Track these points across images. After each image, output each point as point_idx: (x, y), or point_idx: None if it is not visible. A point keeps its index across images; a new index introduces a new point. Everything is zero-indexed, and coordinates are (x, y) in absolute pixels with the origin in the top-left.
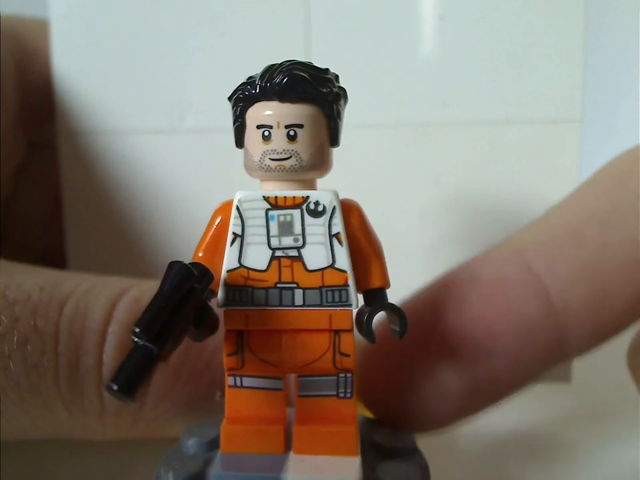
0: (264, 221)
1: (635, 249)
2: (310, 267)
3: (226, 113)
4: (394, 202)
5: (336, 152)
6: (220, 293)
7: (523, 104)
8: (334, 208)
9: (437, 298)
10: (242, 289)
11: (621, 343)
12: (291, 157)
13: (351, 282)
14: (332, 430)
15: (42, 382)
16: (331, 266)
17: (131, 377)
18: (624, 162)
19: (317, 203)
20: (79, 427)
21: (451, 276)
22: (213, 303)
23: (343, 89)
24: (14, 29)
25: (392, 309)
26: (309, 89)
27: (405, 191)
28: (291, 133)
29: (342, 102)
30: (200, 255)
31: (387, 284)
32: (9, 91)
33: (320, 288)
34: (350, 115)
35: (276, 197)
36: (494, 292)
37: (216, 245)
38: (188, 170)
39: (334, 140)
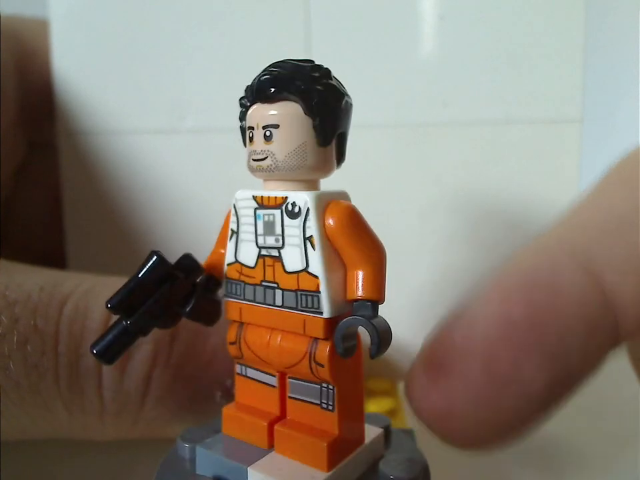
0: (253, 219)
1: None
2: (288, 269)
3: (225, 113)
4: (394, 202)
5: None
6: (223, 285)
7: (523, 104)
8: (307, 210)
9: (494, 298)
10: (237, 283)
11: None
12: (267, 157)
13: (323, 288)
14: (307, 439)
15: (42, 382)
16: (305, 270)
17: (109, 345)
18: (632, 162)
19: (293, 204)
20: (79, 427)
21: (505, 273)
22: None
23: (332, 86)
24: (14, 29)
25: (363, 325)
26: (287, 87)
27: (405, 191)
28: (267, 133)
29: (331, 98)
30: (216, 248)
31: (371, 295)
32: (9, 91)
33: (295, 291)
34: None
35: (262, 196)
36: (552, 291)
37: (226, 239)
38: (188, 170)
39: (322, 139)
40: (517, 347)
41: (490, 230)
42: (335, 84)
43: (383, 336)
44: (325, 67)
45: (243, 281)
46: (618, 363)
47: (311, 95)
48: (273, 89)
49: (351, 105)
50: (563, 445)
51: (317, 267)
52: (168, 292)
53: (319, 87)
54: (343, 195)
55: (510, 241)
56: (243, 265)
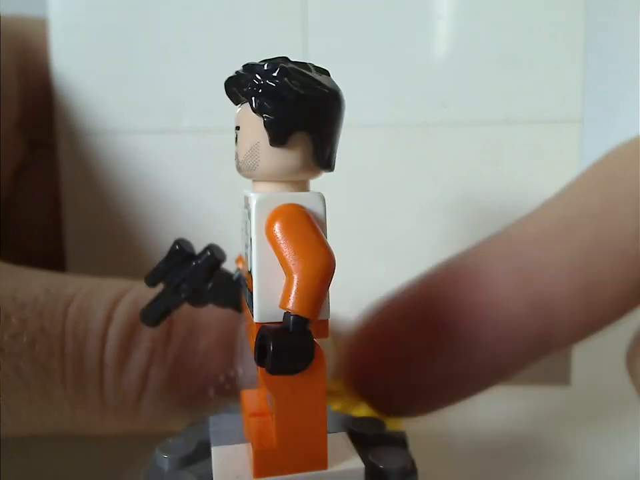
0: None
1: (625, 241)
2: (249, 269)
3: (225, 112)
4: (394, 202)
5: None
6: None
7: (523, 104)
8: (250, 212)
9: (426, 289)
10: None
11: (619, 344)
12: (235, 159)
13: (254, 292)
14: (254, 439)
15: (50, 381)
16: (250, 271)
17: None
18: (617, 156)
19: (249, 205)
20: (82, 423)
21: (439, 268)
22: None
23: (285, 82)
24: (14, 29)
25: (262, 335)
26: (238, 88)
27: (404, 191)
28: (235, 135)
29: (283, 94)
30: None
31: (285, 306)
32: (9, 91)
33: (251, 292)
34: (350, 115)
35: (244, 196)
36: (476, 283)
37: None
38: (188, 170)
39: (272, 138)
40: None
41: (489, 230)
42: (293, 80)
43: (275, 350)
44: (292, 62)
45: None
46: (617, 366)
47: (256, 92)
48: (228, 92)
49: (319, 100)
50: (563, 448)
51: (253, 269)
52: (188, 275)
53: (269, 83)
54: (307, 198)
55: None
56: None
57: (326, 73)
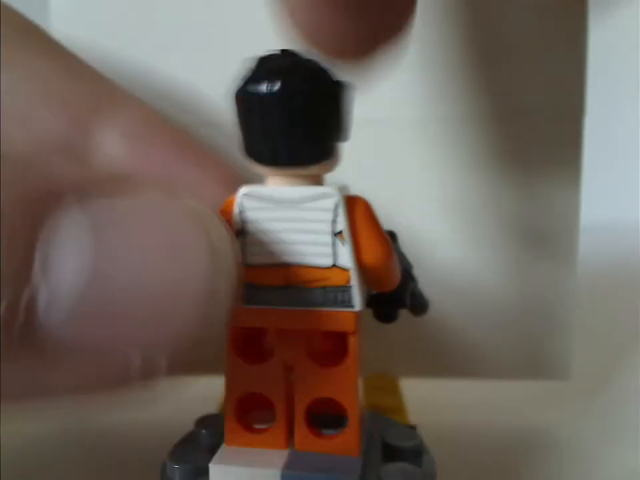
0: None
1: None
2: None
3: (225, 111)
4: (393, 200)
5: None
6: None
7: (523, 103)
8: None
9: None
10: None
11: (620, 342)
12: None
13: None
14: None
15: None
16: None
17: None
18: None
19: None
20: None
21: None
22: None
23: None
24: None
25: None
26: None
27: (403, 189)
28: None
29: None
30: None
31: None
32: None
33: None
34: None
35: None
36: None
37: None
38: None
39: None
40: None
41: (489, 229)
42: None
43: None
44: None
45: None
46: (617, 362)
47: None
48: None
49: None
50: (563, 444)
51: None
52: None
53: None
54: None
55: (508, 237)
56: None
57: (292, 55)
